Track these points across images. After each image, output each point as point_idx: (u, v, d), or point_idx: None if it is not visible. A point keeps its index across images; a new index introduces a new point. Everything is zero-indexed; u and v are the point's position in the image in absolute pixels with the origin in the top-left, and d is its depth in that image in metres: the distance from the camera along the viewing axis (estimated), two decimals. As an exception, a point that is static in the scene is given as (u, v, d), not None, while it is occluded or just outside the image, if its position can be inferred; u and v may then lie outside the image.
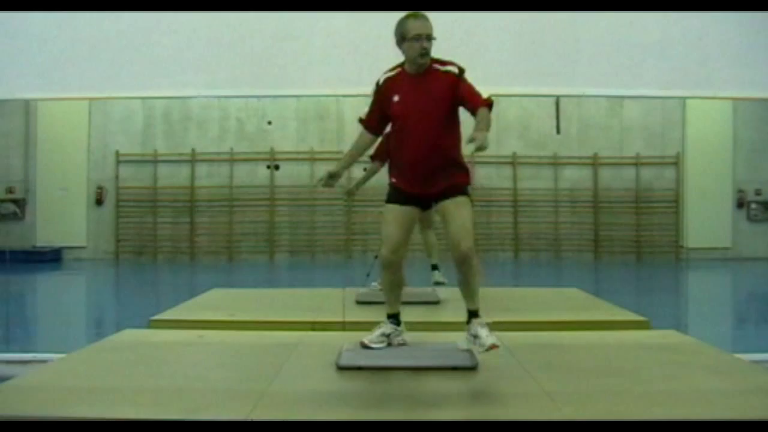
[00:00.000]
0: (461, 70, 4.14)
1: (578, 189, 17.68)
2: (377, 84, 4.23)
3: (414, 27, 4.07)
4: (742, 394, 3.64)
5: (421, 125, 4.11)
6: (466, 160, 4.25)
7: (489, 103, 4.03)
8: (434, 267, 7.01)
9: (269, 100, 16.71)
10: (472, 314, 4.20)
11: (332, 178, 4.28)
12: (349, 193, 7.33)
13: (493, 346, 3.99)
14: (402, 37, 4.11)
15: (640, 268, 16.64)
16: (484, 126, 3.89)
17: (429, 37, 4.08)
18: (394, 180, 4.32)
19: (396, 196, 4.29)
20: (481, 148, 3.76)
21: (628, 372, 4.11)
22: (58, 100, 12.76)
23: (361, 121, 4.35)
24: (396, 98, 4.14)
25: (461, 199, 4.18)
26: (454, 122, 4.22)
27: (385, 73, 4.23)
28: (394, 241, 4.25)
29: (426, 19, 4.11)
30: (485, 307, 6.06)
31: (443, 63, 4.16)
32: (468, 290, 4.21)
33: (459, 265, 4.14)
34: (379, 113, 4.25)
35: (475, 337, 4.09)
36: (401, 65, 4.22)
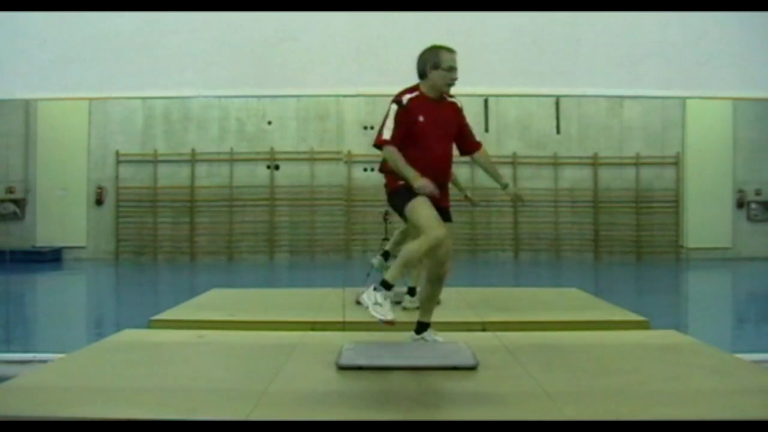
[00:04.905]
0: (461, 105, 4.55)
1: (578, 189, 17.67)
2: (400, 104, 4.33)
3: (449, 59, 4.35)
4: (742, 394, 3.64)
5: (439, 145, 4.42)
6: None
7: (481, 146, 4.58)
8: (411, 290, 6.10)
9: (269, 100, 16.70)
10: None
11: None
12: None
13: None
14: (435, 66, 4.35)
15: (640, 268, 16.63)
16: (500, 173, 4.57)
17: (456, 70, 4.39)
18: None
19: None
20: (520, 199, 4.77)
21: (628, 372, 4.11)
22: (58, 100, 12.75)
23: (386, 142, 4.31)
24: (421, 118, 4.34)
25: None
26: None
27: (406, 94, 4.36)
28: (436, 219, 4.26)
29: (455, 52, 4.39)
30: (486, 307, 6.06)
31: (448, 93, 4.51)
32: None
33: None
34: (405, 131, 4.32)
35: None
36: (417, 87, 4.41)
